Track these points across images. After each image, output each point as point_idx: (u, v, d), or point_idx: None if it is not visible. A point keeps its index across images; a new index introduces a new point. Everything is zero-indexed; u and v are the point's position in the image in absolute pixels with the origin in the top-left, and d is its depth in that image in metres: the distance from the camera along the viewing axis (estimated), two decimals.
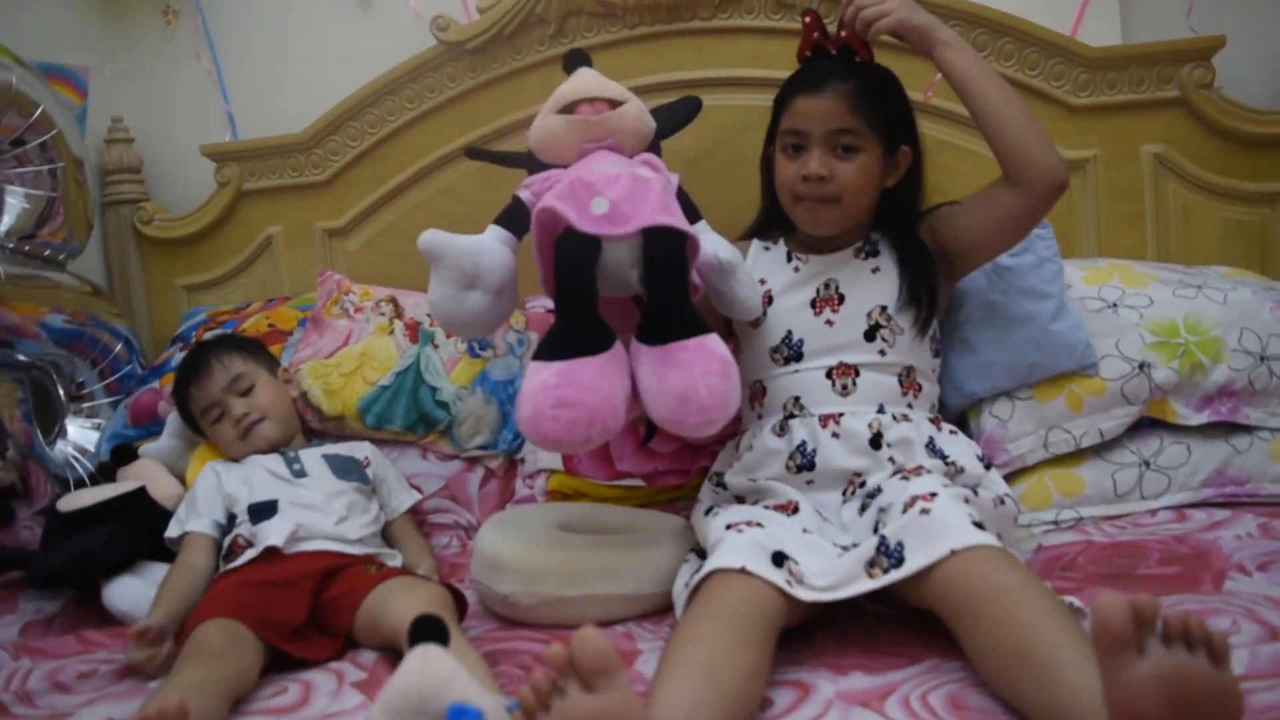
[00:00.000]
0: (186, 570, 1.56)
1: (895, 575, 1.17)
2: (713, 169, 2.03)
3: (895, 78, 1.57)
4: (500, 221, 1.48)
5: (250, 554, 1.51)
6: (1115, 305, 1.73)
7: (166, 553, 1.66)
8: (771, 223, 1.65)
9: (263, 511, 1.59)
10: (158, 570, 1.63)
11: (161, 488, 1.78)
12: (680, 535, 1.50)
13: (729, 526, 1.30)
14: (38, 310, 1.99)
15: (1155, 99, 1.99)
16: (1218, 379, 1.66)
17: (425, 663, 0.93)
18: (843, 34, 1.51)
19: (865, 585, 1.20)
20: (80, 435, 2.14)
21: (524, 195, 1.47)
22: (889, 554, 1.19)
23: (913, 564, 1.16)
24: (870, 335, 1.50)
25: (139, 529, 1.68)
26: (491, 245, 1.44)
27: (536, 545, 1.44)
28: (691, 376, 1.27)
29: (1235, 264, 1.94)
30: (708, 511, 1.46)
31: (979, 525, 1.19)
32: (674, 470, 1.77)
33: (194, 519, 1.63)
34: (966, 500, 1.28)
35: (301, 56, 2.33)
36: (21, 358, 2.03)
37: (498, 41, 2.13)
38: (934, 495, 1.24)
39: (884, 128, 1.50)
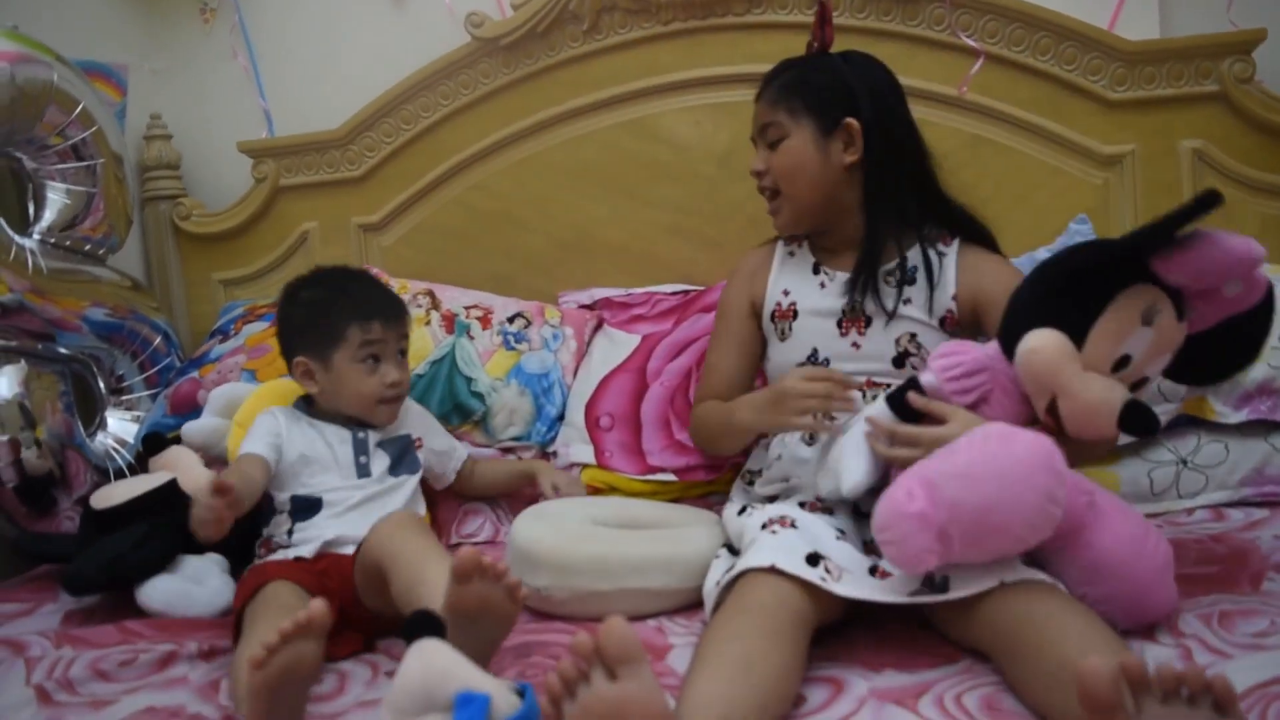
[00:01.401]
0: (246, 475, 1.48)
1: (938, 597, 1.15)
2: (746, 165, 2.00)
3: (845, 55, 1.54)
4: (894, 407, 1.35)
5: (280, 555, 1.51)
6: None
7: (198, 546, 1.68)
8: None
9: (305, 510, 1.55)
10: (190, 564, 1.65)
11: (191, 479, 1.79)
12: (713, 531, 1.50)
13: (764, 526, 1.30)
14: (79, 304, 2.02)
15: (1194, 93, 1.96)
16: (1257, 376, 1.64)
17: (425, 658, 0.94)
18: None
19: (903, 599, 1.17)
20: (120, 427, 2.17)
21: (926, 381, 1.34)
22: (933, 585, 1.17)
23: (957, 592, 1.14)
24: (899, 361, 1.49)
25: (169, 527, 1.70)
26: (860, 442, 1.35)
27: (570, 539, 1.44)
28: None
29: (1274, 260, 1.91)
30: (741, 511, 1.46)
31: (1031, 563, 1.17)
32: (705, 465, 1.78)
33: (250, 445, 1.57)
34: None
35: (337, 54, 2.35)
36: (63, 350, 2.06)
37: (531, 38, 2.14)
38: None
39: (810, 107, 1.50)
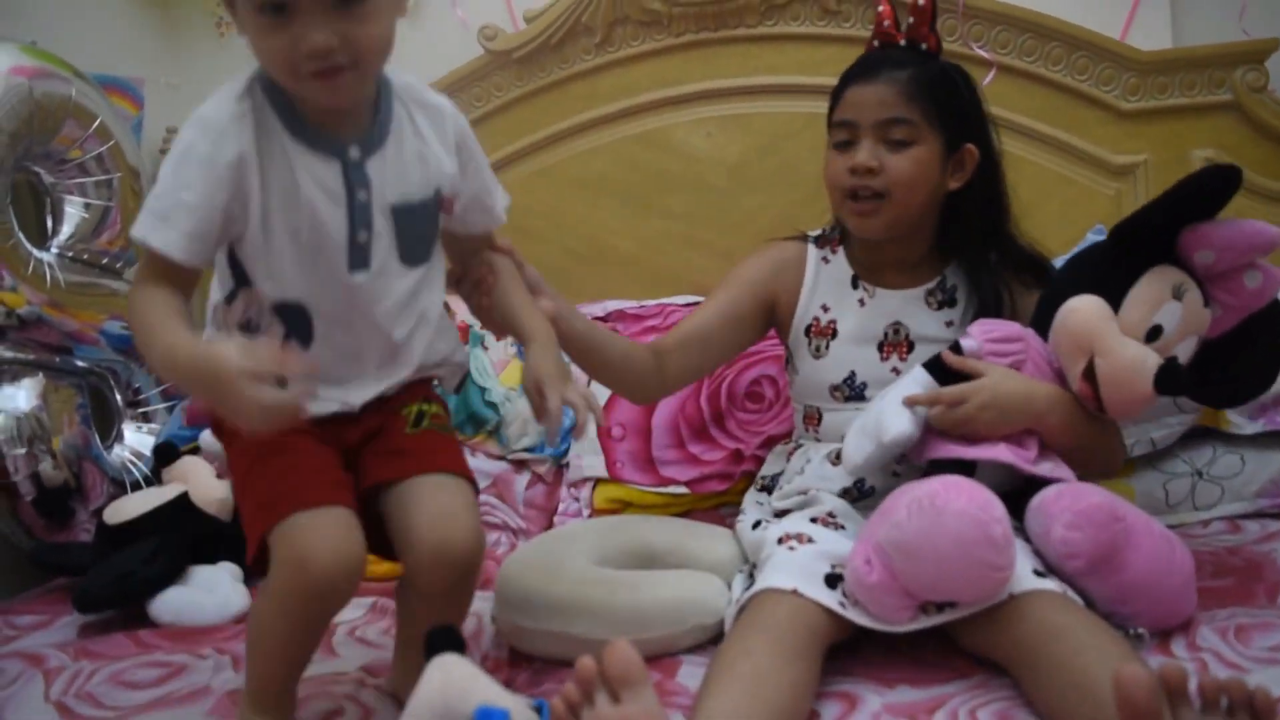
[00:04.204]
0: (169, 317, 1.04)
1: (949, 615, 1.15)
2: (759, 176, 2.03)
3: (965, 73, 1.48)
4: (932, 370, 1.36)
5: None
6: None
7: (208, 555, 1.70)
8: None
9: (294, 319, 1.12)
10: (201, 574, 1.67)
11: (204, 491, 1.81)
12: (728, 562, 1.44)
13: (780, 541, 1.29)
14: (96, 317, 2.03)
15: (1207, 103, 1.96)
16: (1273, 387, 1.63)
17: (445, 673, 0.94)
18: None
19: (917, 624, 1.17)
20: (136, 439, 2.18)
21: (968, 346, 1.38)
22: (939, 605, 1.17)
23: (964, 609, 1.14)
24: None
25: (180, 541, 1.71)
26: (886, 432, 1.33)
27: (568, 585, 1.35)
28: None
29: None
30: (755, 525, 1.44)
31: (1040, 573, 1.17)
32: (718, 475, 1.77)
33: (171, 225, 1.03)
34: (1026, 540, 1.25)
35: None
36: (80, 363, 2.08)
37: (544, 50, 2.15)
38: None
39: (944, 120, 1.41)
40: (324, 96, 1.04)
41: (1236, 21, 2.01)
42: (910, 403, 1.30)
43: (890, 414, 1.31)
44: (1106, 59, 1.98)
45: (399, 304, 1.15)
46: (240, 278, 1.11)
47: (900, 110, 1.40)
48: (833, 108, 1.48)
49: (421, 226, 1.16)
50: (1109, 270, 1.30)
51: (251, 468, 1.12)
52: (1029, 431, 1.31)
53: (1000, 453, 1.27)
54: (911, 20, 1.46)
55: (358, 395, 1.16)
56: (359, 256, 1.11)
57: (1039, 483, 1.27)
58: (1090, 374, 1.27)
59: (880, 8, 1.48)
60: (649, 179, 2.15)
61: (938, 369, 1.33)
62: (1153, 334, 1.26)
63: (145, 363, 1.99)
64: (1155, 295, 1.26)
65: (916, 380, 1.33)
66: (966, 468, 1.27)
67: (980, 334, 1.35)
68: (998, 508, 1.10)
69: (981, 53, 2.00)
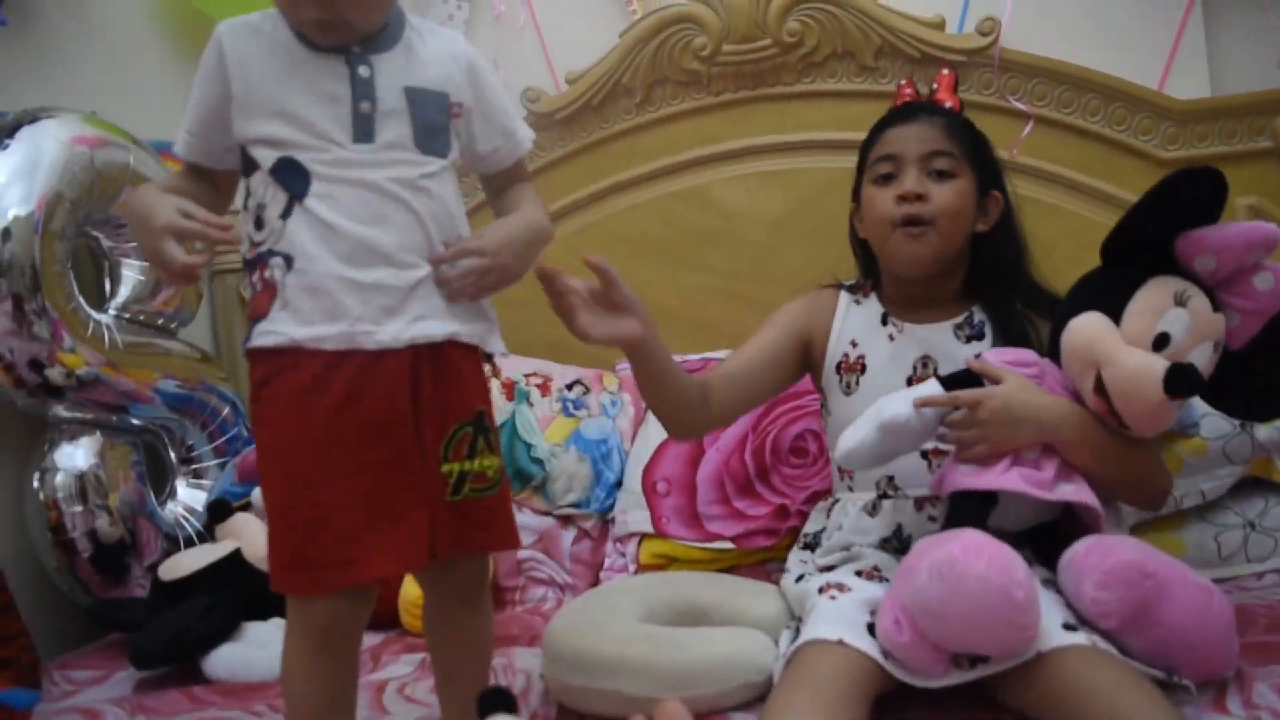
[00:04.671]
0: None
1: (980, 672, 1.15)
2: (798, 231, 2.05)
3: (983, 132, 1.56)
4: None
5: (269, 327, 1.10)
6: None
7: (261, 611, 1.72)
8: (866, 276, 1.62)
9: (290, 177, 1.11)
10: (253, 630, 1.70)
11: (256, 548, 1.84)
12: (775, 619, 1.44)
13: (821, 590, 1.30)
14: (151, 376, 2.08)
15: (1247, 150, 1.96)
16: None
17: None
18: None
19: (952, 679, 1.16)
20: (189, 495, 2.22)
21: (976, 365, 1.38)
22: (971, 657, 1.16)
23: (997, 664, 1.14)
24: None
25: (233, 598, 1.74)
26: (894, 420, 1.34)
27: (615, 643, 1.35)
28: None
29: None
30: (798, 579, 1.45)
31: (1069, 627, 1.16)
32: (763, 531, 1.78)
33: (183, 128, 1.18)
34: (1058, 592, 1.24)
35: None
36: (136, 422, 2.13)
37: (586, 111, 2.19)
38: None
39: (976, 162, 1.48)
40: (324, 36, 1.11)
41: (1274, 68, 2.02)
42: (921, 404, 1.31)
43: (889, 399, 1.33)
44: (1144, 109, 1.98)
45: (411, 184, 1.13)
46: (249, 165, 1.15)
47: (943, 144, 1.46)
48: (868, 148, 1.54)
49: (434, 115, 1.17)
50: (1107, 287, 1.30)
51: (281, 496, 1.12)
52: (1047, 451, 1.30)
53: (1012, 481, 1.26)
54: (935, 87, 1.55)
55: (392, 330, 1.11)
56: (363, 127, 1.12)
57: (1071, 514, 1.26)
58: (1101, 388, 1.26)
59: (902, 81, 1.59)
60: (690, 235, 2.18)
61: (952, 383, 1.34)
62: (1160, 342, 1.25)
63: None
64: (1156, 303, 1.25)
65: (929, 389, 1.35)
66: (988, 499, 1.27)
67: (995, 357, 1.36)
68: (1019, 570, 1.09)
69: (1019, 105, 2.02)
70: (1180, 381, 1.21)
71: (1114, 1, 2.04)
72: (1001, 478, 1.27)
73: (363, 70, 1.12)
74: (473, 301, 1.18)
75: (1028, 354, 1.37)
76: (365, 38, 1.13)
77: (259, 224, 1.12)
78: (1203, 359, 1.26)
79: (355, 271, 1.09)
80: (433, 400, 1.14)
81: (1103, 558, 1.17)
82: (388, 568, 1.12)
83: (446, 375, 1.16)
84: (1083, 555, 1.20)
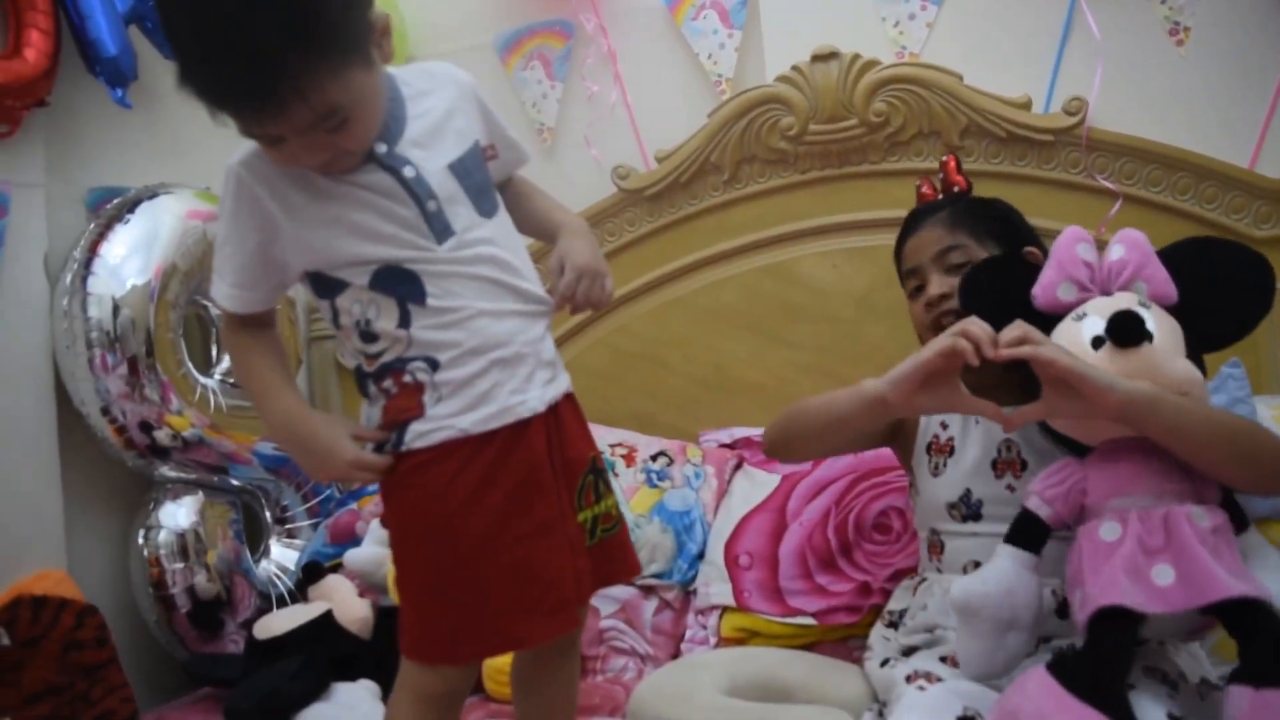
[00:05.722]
0: (273, 369, 1.20)
1: None
2: (884, 306, 2.06)
3: (997, 199, 1.62)
4: (1014, 540, 1.28)
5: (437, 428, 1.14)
6: None
7: (351, 673, 1.76)
8: None
9: (396, 284, 1.13)
10: (343, 691, 1.74)
11: (347, 610, 1.89)
12: (857, 700, 1.44)
13: (909, 679, 1.29)
14: (250, 439, 2.16)
15: None
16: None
17: None
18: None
19: None
20: (282, 554, 2.30)
21: (1032, 505, 1.30)
22: None
23: None
24: None
25: (324, 658, 1.78)
26: (1019, 579, 1.25)
27: (700, 713, 1.37)
28: None
29: None
30: (884, 663, 1.44)
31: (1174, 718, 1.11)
32: (846, 608, 1.77)
33: (222, 279, 1.17)
34: (1165, 682, 1.20)
35: None
36: (235, 482, 2.21)
37: (675, 188, 2.24)
38: (1131, 687, 1.14)
39: (993, 234, 1.52)
40: (338, 170, 1.11)
41: None
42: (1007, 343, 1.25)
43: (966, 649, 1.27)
44: (1236, 187, 1.96)
45: (496, 259, 1.17)
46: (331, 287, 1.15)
47: (951, 239, 1.53)
48: (899, 267, 1.62)
49: (478, 174, 1.19)
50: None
51: (431, 578, 1.15)
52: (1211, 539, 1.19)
53: (1152, 603, 1.13)
54: (942, 175, 1.62)
55: (537, 395, 1.17)
56: (439, 225, 1.13)
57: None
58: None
59: (919, 182, 1.65)
60: (776, 310, 2.21)
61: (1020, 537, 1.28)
62: (1096, 344, 1.26)
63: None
64: (1071, 336, 1.27)
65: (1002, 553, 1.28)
66: (1134, 618, 1.14)
67: (1040, 488, 1.31)
68: None
69: (1106, 184, 2.01)
70: (1123, 326, 1.23)
71: (1202, 80, 2.02)
72: (1145, 595, 1.14)
73: (408, 171, 1.13)
74: (600, 309, 1.29)
75: (1057, 467, 1.32)
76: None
77: (369, 337, 1.14)
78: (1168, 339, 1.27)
79: (497, 351, 1.14)
80: (560, 456, 1.19)
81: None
82: (545, 636, 1.17)
83: (565, 428, 1.21)
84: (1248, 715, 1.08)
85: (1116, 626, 1.13)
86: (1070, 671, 1.10)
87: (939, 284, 1.51)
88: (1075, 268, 1.33)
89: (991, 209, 1.58)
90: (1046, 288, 1.34)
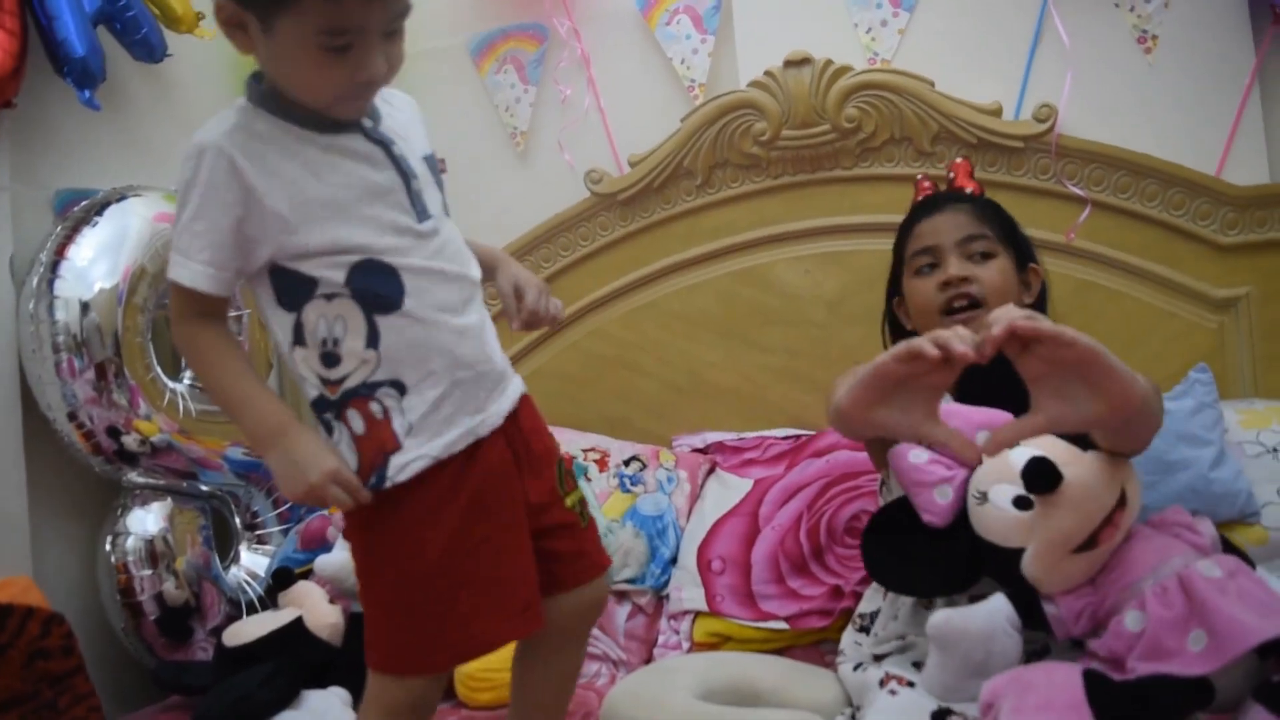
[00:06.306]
0: (241, 369, 1.12)
1: None
2: (857, 312, 2.07)
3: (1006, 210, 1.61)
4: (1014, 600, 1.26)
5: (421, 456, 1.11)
6: (1275, 450, 1.69)
7: (321, 680, 1.75)
8: None
9: (375, 281, 1.09)
10: (312, 699, 1.72)
11: (318, 617, 1.87)
12: (831, 704, 1.44)
13: (881, 684, 1.29)
14: (220, 444, 2.14)
15: None
16: None
17: None
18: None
19: None
20: (252, 560, 2.27)
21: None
22: None
23: None
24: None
25: (294, 666, 1.77)
26: (1003, 632, 1.23)
27: (673, 718, 1.37)
28: None
29: None
30: (856, 667, 1.44)
31: None
32: (818, 612, 1.77)
33: (192, 258, 1.06)
34: None
35: (462, 207, 2.45)
36: (204, 487, 2.19)
37: (648, 192, 2.25)
38: None
39: (1010, 240, 1.52)
40: (354, 110, 1.10)
41: None
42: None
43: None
44: (1203, 194, 1.98)
45: (460, 250, 1.18)
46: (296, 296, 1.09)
47: (976, 228, 1.52)
48: (903, 242, 1.60)
49: (439, 181, 1.19)
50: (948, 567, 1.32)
51: (404, 593, 1.14)
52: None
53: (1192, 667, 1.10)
54: (953, 175, 1.63)
55: (495, 410, 1.16)
56: (419, 205, 1.13)
57: None
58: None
59: (921, 176, 1.67)
60: (749, 314, 2.21)
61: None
62: (1023, 505, 1.25)
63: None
64: (995, 518, 1.26)
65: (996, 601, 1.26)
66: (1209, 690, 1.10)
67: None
68: None
69: (1076, 190, 2.03)
70: (1038, 474, 1.21)
71: (1170, 88, 2.04)
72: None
73: (396, 148, 1.13)
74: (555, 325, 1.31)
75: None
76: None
77: (332, 360, 1.09)
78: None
79: (460, 372, 1.13)
80: (527, 451, 1.20)
81: None
82: (511, 636, 1.17)
83: (525, 425, 1.21)
84: None
85: (1187, 686, 1.09)
86: (1106, 697, 1.08)
87: (959, 267, 1.49)
88: (928, 471, 1.32)
89: (1008, 217, 1.59)
90: (928, 506, 1.32)
